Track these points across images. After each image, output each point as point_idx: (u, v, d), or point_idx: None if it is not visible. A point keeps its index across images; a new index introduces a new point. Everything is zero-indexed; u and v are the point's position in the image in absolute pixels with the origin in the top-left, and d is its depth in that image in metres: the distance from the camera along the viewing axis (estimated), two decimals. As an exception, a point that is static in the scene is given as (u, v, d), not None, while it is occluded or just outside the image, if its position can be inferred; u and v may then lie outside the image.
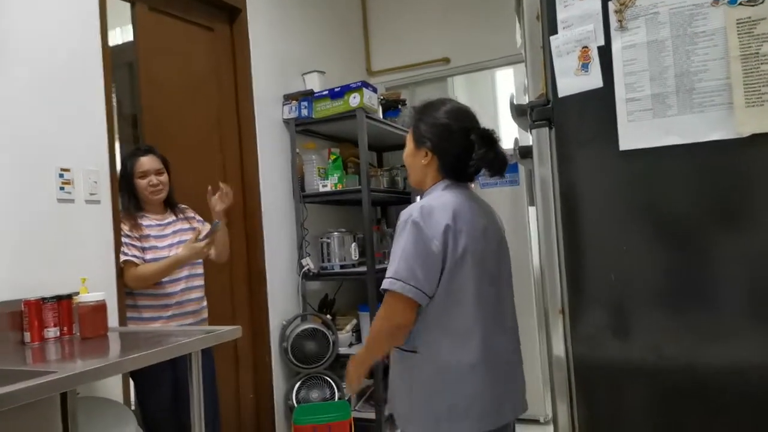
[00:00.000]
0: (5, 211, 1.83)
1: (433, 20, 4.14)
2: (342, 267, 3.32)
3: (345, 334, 3.29)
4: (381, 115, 3.47)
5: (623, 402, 1.14)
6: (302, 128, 3.35)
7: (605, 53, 1.13)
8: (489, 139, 1.56)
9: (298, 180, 3.32)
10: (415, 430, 1.54)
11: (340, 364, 3.25)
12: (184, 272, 2.28)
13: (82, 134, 2.10)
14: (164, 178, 2.32)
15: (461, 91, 4.36)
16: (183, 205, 2.46)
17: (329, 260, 3.32)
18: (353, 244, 3.36)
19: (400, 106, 3.73)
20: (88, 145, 2.12)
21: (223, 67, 3.04)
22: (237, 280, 2.99)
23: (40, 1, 1.99)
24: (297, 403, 3.03)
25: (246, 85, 3.08)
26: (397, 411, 1.61)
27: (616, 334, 1.13)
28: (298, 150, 3.34)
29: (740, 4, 1.00)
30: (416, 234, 1.47)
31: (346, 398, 3.10)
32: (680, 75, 1.06)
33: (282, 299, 3.17)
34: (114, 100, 2.32)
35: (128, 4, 2.60)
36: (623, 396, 1.13)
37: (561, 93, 1.20)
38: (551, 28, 1.21)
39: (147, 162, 2.28)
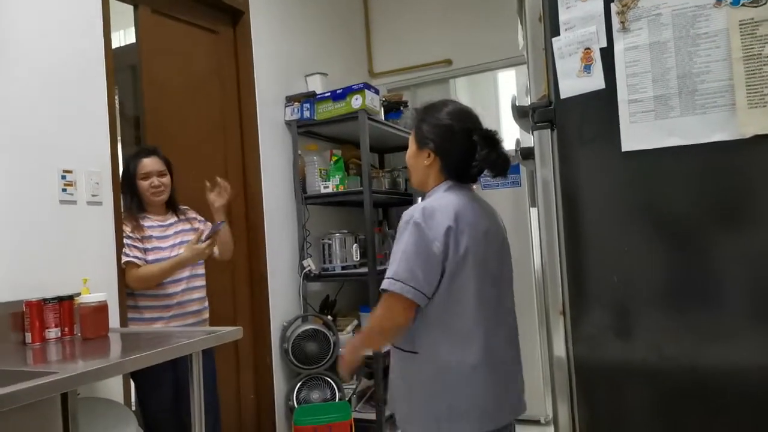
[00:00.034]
0: (7, 212, 1.83)
1: (435, 22, 4.14)
2: (343, 268, 3.32)
3: (346, 335, 3.28)
4: (383, 117, 3.47)
5: (624, 402, 1.13)
6: (304, 130, 3.35)
7: (607, 55, 1.13)
8: (491, 139, 1.56)
9: (300, 181, 3.32)
10: (416, 430, 1.54)
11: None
12: (186, 273, 2.28)
13: (85, 136, 2.10)
14: (166, 179, 2.32)
15: (463, 92, 4.36)
16: (184, 206, 2.46)
17: (330, 261, 3.32)
18: (354, 246, 3.36)
19: (402, 108, 3.73)
20: (91, 147, 2.12)
21: (225, 69, 3.04)
22: (238, 280, 2.99)
23: (43, 4, 2.00)
24: (298, 403, 3.03)
25: (248, 87, 3.08)
26: (397, 411, 1.61)
27: (616, 334, 1.13)
28: (300, 151, 3.35)
29: (743, 5, 1.00)
30: (417, 235, 1.47)
31: (347, 399, 3.10)
32: (683, 76, 1.06)
33: (283, 300, 3.17)
34: (116, 101, 2.32)
35: (131, 7, 2.60)
36: (624, 396, 1.13)
37: (563, 94, 1.20)
38: (553, 29, 1.21)
39: (150, 163, 2.28)
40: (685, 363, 1.06)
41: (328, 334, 3.08)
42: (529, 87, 1.30)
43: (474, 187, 1.68)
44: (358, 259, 3.36)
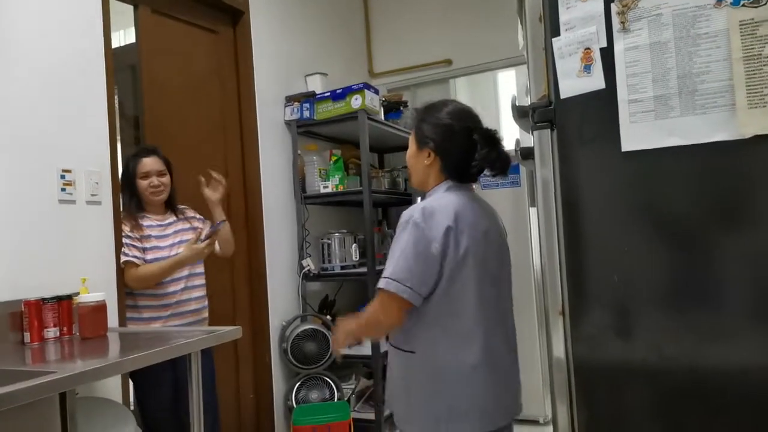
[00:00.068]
0: (6, 212, 1.83)
1: (435, 22, 4.14)
2: (342, 268, 3.32)
3: (345, 336, 3.28)
4: (382, 117, 3.47)
5: (623, 403, 1.13)
6: (304, 130, 3.35)
7: (607, 55, 1.13)
8: (491, 138, 1.56)
9: (300, 181, 3.32)
10: (415, 430, 1.54)
11: (339, 365, 3.25)
12: (185, 272, 2.28)
13: (84, 135, 2.10)
14: (166, 179, 2.32)
15: (463, 92, 4.36)
16: (183, 206, 2.46)
17: (330, 261, 3.32)
18: (354, 245, 3.36)
19: (401, 108, 3.73)
20: (90, 146, 2.12)
21: (225, 69, 3.04)
22: (238, 280, 2.99)
23: (42, 4, 1.99)
24: (296, 403, 3.03)
25: (248, 87, 3.08)
26: (395, 411, 1.61)
27: (616, 334, 1.13)
28: (299, 151, 3.34)
29: (743, 5, 1.00)
30: (416, 235, 1.47)
31: (346, 399, 3.10)
32: (683, 76, 1.06)
33: (282, 300, 3.17)
34: (116, 101, 2.32)
35: (131, 7, 2.60)
36: (623, 397, 1.13)
37: (563, 94, 1.20)
38: (553, 29, 1.21)
39: (149, 163, 2.28)
40: (685, 363, 1.06)
41: (327, 334, 3.08)
42: (529, 87, 1.30)
43: (474, 187, 1.68)
44: (358, 258, 3.36)
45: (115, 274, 2.16)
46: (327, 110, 3.22)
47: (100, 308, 1.83)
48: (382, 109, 3.45)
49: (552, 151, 1.22)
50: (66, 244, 2.00)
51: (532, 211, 3.47)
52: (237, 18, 3.09)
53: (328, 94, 3.23)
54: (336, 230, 3.41)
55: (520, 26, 1.63)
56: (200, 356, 1.76)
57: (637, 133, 1.10)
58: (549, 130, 1.23)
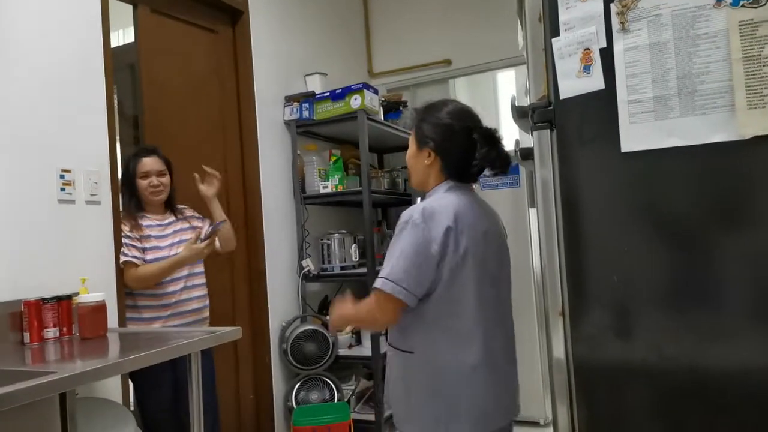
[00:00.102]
0: (6, 212, 1.83)
1: (434, 22, 4.14)
2: (342, 268, 3.31)
3: (344, 336, 3.28)
4: (382, 117, 3.47)
5: (624, 403, 1.13)
6: (303, 130, 3.35)
7: (607, 55, 1.13)
8: (491, 138, 1.56)
9: (299, 181, 3.32)
10: (414, 430, 1.54)
11: (339, 365, 3.25)
12: (185, 272, 2.28)
13: (84, 135, 2.10)
14: (165, 179, 2.32)
15: (463, 92, 4.36)
16: (182, 206, 2.46)
17: (329, 261, 3.32)
18: (353, 246, 3.36)
19: (401, 108, 3.73)
20: (89, 146, 2.12)
21: (224, 68, 3.04)
22: (237, 280, 2.99)
23: (42, 4, 1.99)
24: (296, 404, 3.03)
25: (247, 87, 3.08)
26: (395, 411, 1.61)
27: (616, 334, 1.13)
28: (299, 151, 3.34)
29: (743, 6, 1.00)
30: (415, 235, 1.47)
31: (346, 400, 3.10)
32: (682, 77, 1.06)
33: (282, 300, 3.17)
34: (115, 101, 2.32)
35: (130, 6, 2.60)
36: (624, 397, 1.13)
37: (562, 95, 1.20)
38: (553, 30, 1.21)
39: (149, 163, 2.28)
40: (686, 363, 1.06)
41: (326, 334, 3.08)
42: (529, 87, 1.30)
43: (474, 186, 1.68)
44: (357, 259, 3.36)
45: (114, 274, 2.16)
46: (326, 110, 3.22)
47: (100, 308, 1.83)
48: (381, 109, 3.45)
49: (551, 151, 1.22)
50: (65, 244, 2.00)
51: (532, 211, 3.47)
52: (236, 18, 3.09)
53: (328, 94, 3.23)
54: (335, 231, 3.40)
55: (519, 26, 1.63)
56: (200, 357, 1.76)
57: (637, 134, 1.10)
58: (548, 130, 1.23)
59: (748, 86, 1.00)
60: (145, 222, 2.27)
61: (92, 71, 2.16)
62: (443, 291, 1.48)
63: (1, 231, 1.81)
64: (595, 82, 1.15)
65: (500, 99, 4.47)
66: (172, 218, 2.37)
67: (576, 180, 1.20)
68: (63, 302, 1.82)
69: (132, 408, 2.19)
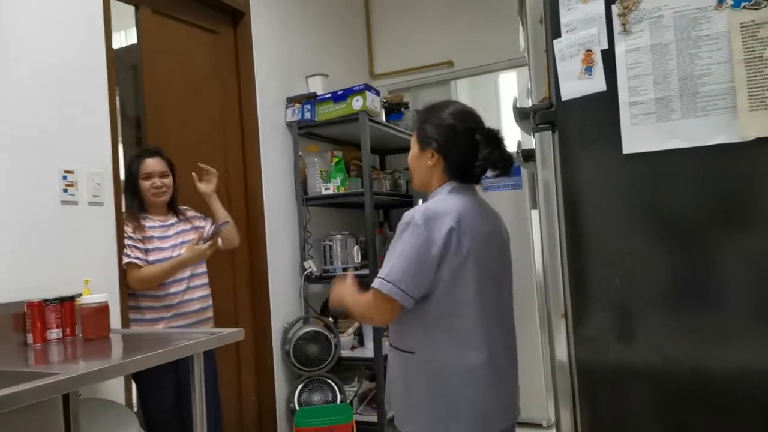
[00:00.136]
0: (9, 213, 1.83)
1: (436, 24, 4.15)
2: (344, 270, 3.31)
3: (347, 337, 3.28)
4: (384, 118, 3.47)
5: (627, 405, 1.13)
6: (305, 131, 3.36)
7: (609, 57, 1.13)
8: (494, 138, 1.56)
9: (301, 183, 3.32)
10: (414, 430, 1.54)
11: (342, 367, 3.25)
12: (187, 272, 2.29)
13: (86, 136, 2.11)
14: (168, 180, 2.32)
15: (464, 94, 4.36)
16: (184, 207, 2.47)
17: (331, 263, 3.32)
18: (355, 247, 3.36)
19: (402, 109, 3.73)
20: (92, 147, 2.13)
21: (226, 69, 3.05)
22: (239, 282, 2.99)
23: (44, 5, 2.00)
24: (299, 405, 3.03)
25: (249, 88, 3.08)
26: (395, 411, 1.61)
27: (619, 336, 1.13)
28: (300, 153, 3.35)
29: (744, 7, 1.00)
30: (417, 237, 1.46)
31: (348, 401, 3.10)
32: (684, 79, 1.06)
33: (284, 302, 3.17)
34: (117, 102, 2.32)
35: (132, 7, 2.61)
36: (626, 399, 1.13)
37: (564, 96, 1.20)
38: (554, 31, 1.21)
39: (152, 164, 2.29)
40: (688, 365, 1.06)
41: (329, 336, 3.08)
42: (530, 89, 1.30)
43: (477, 188, 1.68)
44: (359, 260, 3.36)
45: (117, 275, 2.16)
46: (328, 111, 3.23)
47: (103, 309, 1.83)
48: (383, 110, 3.45)
49: (553, 153, 1.22)
50: (68, 245, 2.00)
51: (534, 213, 3.47)
52: (238, 19, 3.09)
53: (329, 95, 3.24)
54: (337, 232, 3.41)
55: (521, 28, 1.64)
56: (203, 358, 1.77)
57: (639, 136, 1.10)
58: (550, 131, 1.23)
59: (750, 88, 1.00)
60: (147, 223, 2.28)
61: (94, 72, 2.16)
62: (444, 292, 1.48)
63: (4, 232, 1.82)
64: (597, 83, 1.15)
65: (502, 100, 4.47)
66: (174, 219, 2.37)
67: (578, 181, 1.20)
68: (66, 303, 1.83)
69: (135, 409, 2.20)
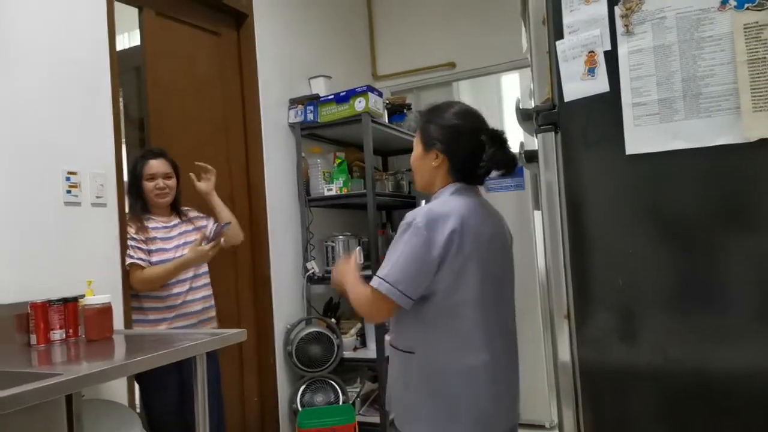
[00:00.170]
0: (12, 214, 1.84)
1: (438, 25, 4.15)
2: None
3: (349, 338, 3.28)
4: (386, 120, 3.47)
5: (630, 406, 1.13)
6: (308, 132, 3.36)
7: (611, 58, 1.13)
8: (499, 139, 1.56)
9: (304, 184, 3.32)
10: (414, 430, 1.54)
11: (344, 368, 3.25)
12: (190, 273, 2.29)
13: (89, 137, 2.11)
14: (172, 182, 2.33)
15: (467, 95, 4.36)
16: (185, 207, 2.47)
17: (334, 264, 3.32)
18: (358, 248, 3.35)
19: (405, 111, 3.74)
20: (95, 149, 2.13)
21: (229, 71, 3.05)
22: (242, 283, 3.00)
23: (47, 7, 2.01)
24: (301, 406, 3.03)
25: (252, 90, 3.09)
26: (395, 411, 1.61)
27: (622, 337, 1.13)
28: (303, 154, 3.35)
29: (747, 8, 1.00)
30: (417, 238, 1.46)
31: (351, 402, 3.10)
32: (687, 80, 1.06)
33: (287, 303, 3.17)
34: (121, 103, 2.33)
35: (135, 9, 2.61)
36: (629, 400, 1.13)
37: (567, 97, 1.20)
38: (557, 32, 1.21)
39: (156, 165, 2.29)
40: (691, 366, 1.06)
41: (331, 337, 3.08)
42: (533, 90, 1.30)
43: (480, 189, 1.68)
44: (362, 261, 3.35)
45: (120, 276, 2.17)
46: (331, 113, 3.23)
47: (106, 310, 1.83)
48: (385, 111, 3.45)
49: (556, 154, 1.22)
50: (71, 246, 2.01)
51: (537, 214, 3.47)
52: (241, 21, 3.10)
53: (332, 96, 3.24)
54: (340, 233, 3.41)
55: (523, 29, 1.64)
56: (205, 359, 1.77)
57: (642, 137, 1.10)
58: (553, 133, 1.23)
59: (754, 89, 1.00)
60: (150, 224, 2.28)
61: (98, 74, 2.17)
62: (445, 293, 1.48)
63: (8, 233, 1.82)
64: (600, 84, 1.15)
65: (504, 102, 4.47)
66: (177, 220, 2.38)
67: (581, 182, 1.20)
68: (69, 304, 1.83)
69: (138, 410, 2.20)
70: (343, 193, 3.24)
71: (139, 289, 2.20)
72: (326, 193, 3.27)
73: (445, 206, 1.51)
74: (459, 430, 1.48)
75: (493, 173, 1.60)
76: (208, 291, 2.39)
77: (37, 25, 1.96)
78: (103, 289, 1.95)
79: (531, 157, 1.35)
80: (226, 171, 2.94)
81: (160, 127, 2.63)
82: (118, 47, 2.30)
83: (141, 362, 1.49)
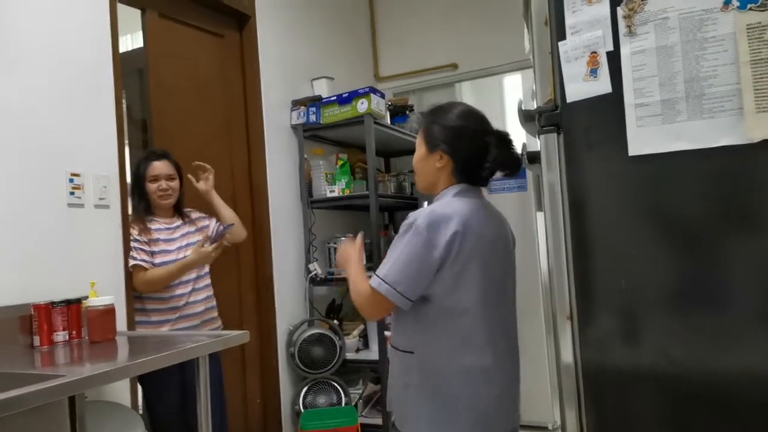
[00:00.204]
0: (15, 215, 1.84)
1: (440, 26, 4.15)
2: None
3: (352, 340, 3.28)
4: (389, 121, 3.48)
5: (632, 408, 1.13)
6: (310, 134, 3.36)
7: (614, 59, 1.13)
8: (504, 140, 1.56)
9: (306, 185, 3.33)
10: (414, 430, 1.53)
11: (347, 369, 3.25)
12: (193, 274, 2.29)
13: (93, 139, 2.12)
14: (175, 183, 2.33)
15: (469, 96, 4.36)
16: (188, 209, 2.48)
17: (336, 265, 3.32)
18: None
19: (407, 112, 3.74)
20: (98, 150, 2.14)
21: (231, 72, 3.06)
22: (245, 284, 3.00)
23: (52, 10, 2.01)
24: (304, 408, 3.03)
25: (255, 91, 3.09)
26: (395, 412, 1.61)
27: (624, 339, 1.13)
28: (306, 155, 3.35)
29: (750, 9, 1.00)
30: (418, 239, 1.46)
31: (353, 404, 3.10)
32: (690, 80, 1.06)
33: (289, 304, 3.17)
34: (124, 105, 2.34)
35: (139, 11, 2.62)
36: (632, 401, 1.13)
37: (569, 98, 1.20)
38: (559, 33, 1.21)
39: (159, 166, 2.30)
40: (693, 367, 1.06)
41: (334, 338, 3.08)
42: (536, 91, 1.30)
43: (483, 191, 1.67)
44: (364, 262, 3.35)
45: (123, 277, 2.17)
46: (333, 114, 3.23)
47: (109, 312, 1.84)
48: (388, 113, 3.45)
49: (558, 155, 1.22)
50: (75, 248, 2.01)
51: (539, 215, 3.46)
52: (243, 22, 3.10)
53: (335, 98, 3.24)
54: (342, 234, 3.41)
55: (526, 30, 1.63)
56: (208, 360, 1.77)
57: (644, 138, 1.10)
58: (555, 134, 1.23)
59: (757, 89, 0.99)
60: (153, 225, 2.29)
61: (101, 75, 2.17)
62: (445, 294, 1.47)
63: (11, 234, 1.83)
64: (602, 85, 1.15)
65: (507, 103, 4.46)
66: (180, 222, 2.38)
67: (583, 184, 1.19)
68: (72, 306, 1.83)
69: (140, 411, 2.20)
70: (346, 194, 3.24)
71: (142, 291, 2.20)
72: (328, 195, 3.27)
73: (447, 208, 1.51)
74: (459, 430, 1.48)
75: (496, 174, 1.59)
76: (210, 292, 2.39)
77: (40, 26, 1.97)
78: (106, 291, 1.96)
79: (533, 158, 1.35)
80: (229, 172, 2.95)
81: (162, 128, 2.64)
82: (122, 49, 2.30)
83: (144, 364, 1.49)
